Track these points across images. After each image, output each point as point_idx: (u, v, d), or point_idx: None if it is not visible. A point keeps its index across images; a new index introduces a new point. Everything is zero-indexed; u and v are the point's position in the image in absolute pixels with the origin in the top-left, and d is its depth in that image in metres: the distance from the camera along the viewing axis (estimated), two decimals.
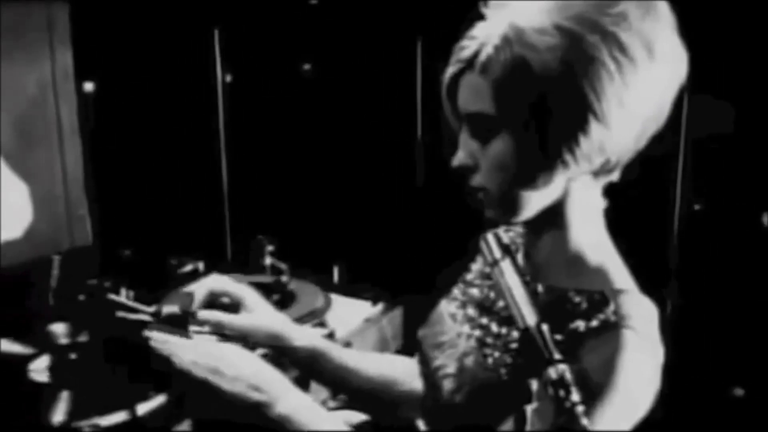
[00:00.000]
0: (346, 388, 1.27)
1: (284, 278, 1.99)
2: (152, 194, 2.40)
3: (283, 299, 1.93)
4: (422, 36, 2.26)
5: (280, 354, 1.19)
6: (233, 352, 1.05)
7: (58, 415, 1.29)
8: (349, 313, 1.96)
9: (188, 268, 2.14)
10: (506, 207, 0.97)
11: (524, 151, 0.92)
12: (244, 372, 1.01)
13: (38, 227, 1.89)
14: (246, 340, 1.18)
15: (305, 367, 1.23)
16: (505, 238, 1.00)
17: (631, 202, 2.22)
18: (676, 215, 2.11)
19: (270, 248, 2.06)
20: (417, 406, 1.18)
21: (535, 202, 0.96)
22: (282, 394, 1.02)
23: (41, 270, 1.74)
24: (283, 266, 2.01)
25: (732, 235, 2.10)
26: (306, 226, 2.48)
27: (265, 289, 1.95)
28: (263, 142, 2.55)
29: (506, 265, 0.95)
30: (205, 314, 1.17)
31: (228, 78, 2.49)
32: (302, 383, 1.12)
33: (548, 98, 0.88)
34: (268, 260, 2.05)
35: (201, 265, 2.17)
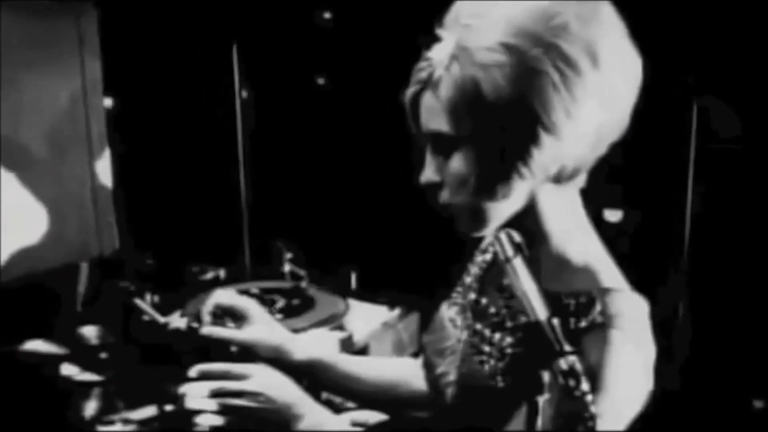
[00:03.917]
0: (353, 396, 1.30)
1: (303, 284, 2.04)
2: (175, 204, 2.46)
3: (302, 305, 1.98)
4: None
5: (283, 367, 1.18)
6: (255, 375, 1.06)
7: (89, 410, 1.34)
8: (367, 317, 2.00)
9: (209, 275, 2.19)
10: (472, 219, 0.99)
11: (481, 165, 0.94)
12: (263, 396, 1.04)
13: (68, 234, 1.92)
14: (249, 354, 1.19)
15: (310, 379, 1.25)
16: (517, 237, 1.03)
17: (643, 209, 2.24)
18: (687, 220, 2.13)
19: (289, 255, 2.11)
20: (423, 407, 1.22)
21: (499, 212, 0.98)
22: (302, 412, 1.05)
23: (70, 275, 1.79)
24: (301, 272, 2.06)
25: (745, 242, 2.11)
26: (324, 233, 2.52)
27: (285, 295, 2.01)
28: (280, 153, 2.60)
29: (518, 262, 0.99)
30: (208, 330, 1.19)
31: (244, 93, 2.54)
32: (313, 391, 1.14)
33: (499, 114, 0.90)
34: (287, 267, 2.10)
35: (222, 273, 2.22)
